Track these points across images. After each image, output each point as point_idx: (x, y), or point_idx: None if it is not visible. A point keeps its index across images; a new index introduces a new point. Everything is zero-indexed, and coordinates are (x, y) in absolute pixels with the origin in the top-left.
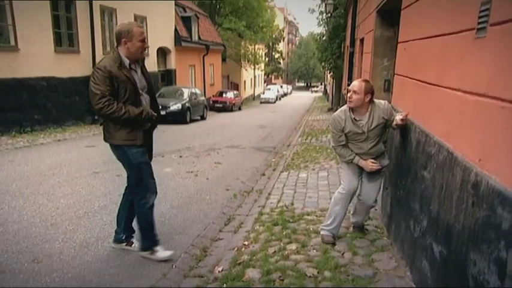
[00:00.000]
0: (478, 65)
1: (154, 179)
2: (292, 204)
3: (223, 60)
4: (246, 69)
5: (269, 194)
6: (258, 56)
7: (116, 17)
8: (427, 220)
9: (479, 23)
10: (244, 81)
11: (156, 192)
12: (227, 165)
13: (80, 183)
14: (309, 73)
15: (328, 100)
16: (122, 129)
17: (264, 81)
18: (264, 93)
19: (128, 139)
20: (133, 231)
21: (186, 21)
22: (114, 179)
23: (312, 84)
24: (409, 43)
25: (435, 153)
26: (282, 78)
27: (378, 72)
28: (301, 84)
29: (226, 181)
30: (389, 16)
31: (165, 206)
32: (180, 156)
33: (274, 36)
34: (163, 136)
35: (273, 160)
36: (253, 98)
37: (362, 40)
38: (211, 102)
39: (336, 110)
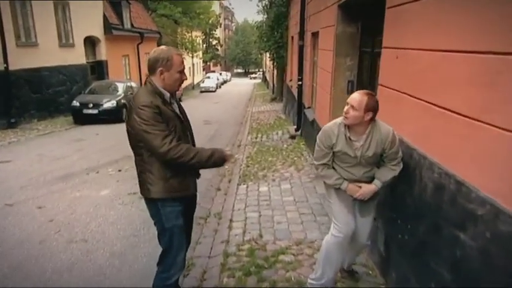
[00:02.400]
0: None
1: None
2: (260, 236)
3: None
4: (184, 58)
5: (230, 220)
6: (195, 44)
7: (31, 4)
8: None
9: None
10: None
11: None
12: None
13: None
14: (247, 60)
15: (268, 88)
16: (173, 178)
17: (203, 69)
18: (203, 81)
19: (179, 190)
20: None
21: (116, 6)
22: (35, 214)
23: (250, 71)
24: (407, 52)
25: (486, 217)
26: (220, 65)
27: (340, 72)
28: (240, 70)
29: None
30: (352, 11)
31: (104, 254)
32: (119, 170)
33: (211, 22)
34: (98, 141)
35: (226, 167)
36: (193, 87)
37: (315, 34)
38: None
39: (281, 100)
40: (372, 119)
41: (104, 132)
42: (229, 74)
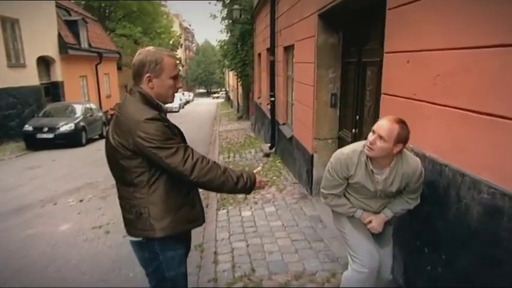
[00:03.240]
0: None
1: None
2: (253, 270)
3: (119, 68)
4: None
5: (215, 252)
6: None
7: None
8: None
9: None
10: None
11: None
12: None
13: None
14: (209, 79)
15: (232, 106)
16: (182, 208)
17: None
18: None
19: (189, 221)
20: None
21: (72, 25)
22: None
23: (213, 90)
24: (423, 54)
25: None
26: (182, 85)
27: (323, 85)
28: (202, 90)
29: None
30: (333, 20)
31: None
32: (81, 200)
33: (172, 42)
34: (54, 167)
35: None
36: None
37: (288, 48)
38: (109, 116)
39: (247, 118)
40: (400, 151)
41: (62, 157)
42: (191, 94)
